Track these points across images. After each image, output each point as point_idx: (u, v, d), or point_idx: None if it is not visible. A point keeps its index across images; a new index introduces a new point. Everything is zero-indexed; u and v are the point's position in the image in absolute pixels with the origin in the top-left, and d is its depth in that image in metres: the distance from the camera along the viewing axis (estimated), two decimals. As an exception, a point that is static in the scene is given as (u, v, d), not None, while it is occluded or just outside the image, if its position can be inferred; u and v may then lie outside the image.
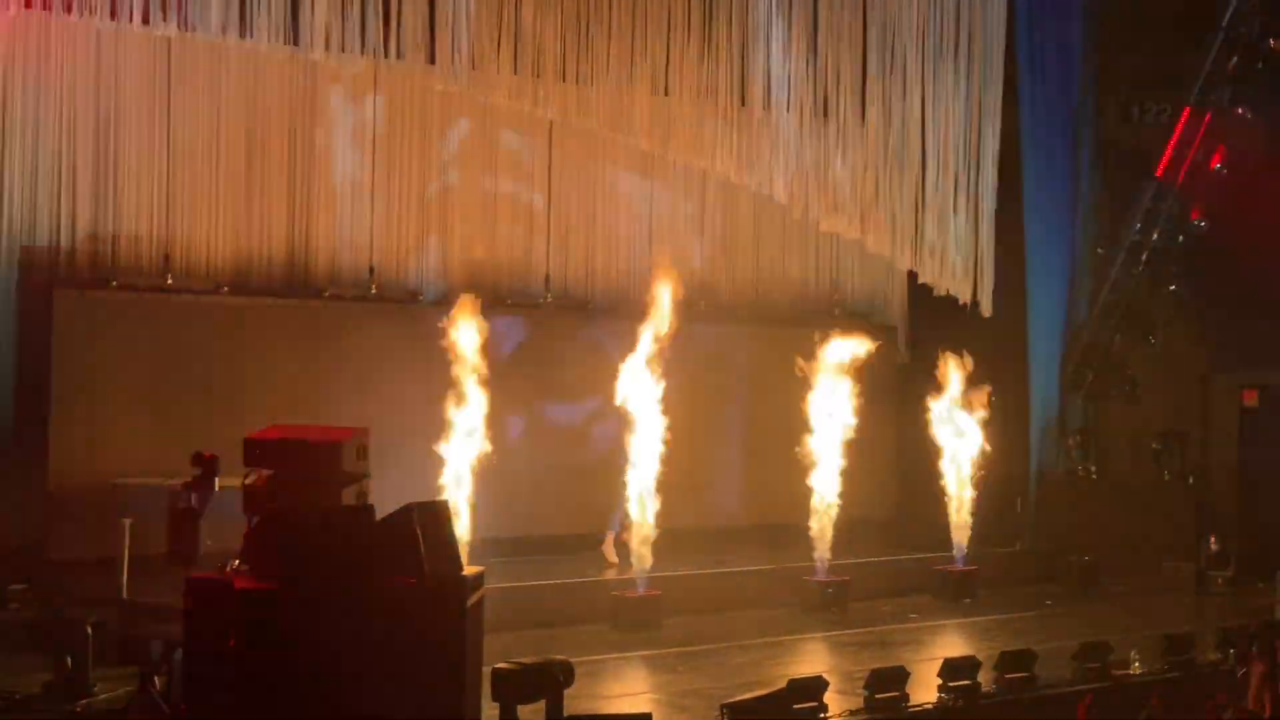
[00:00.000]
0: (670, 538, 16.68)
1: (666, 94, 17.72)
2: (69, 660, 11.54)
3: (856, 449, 18.91)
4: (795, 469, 17.74)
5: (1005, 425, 19.64)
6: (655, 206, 19.10)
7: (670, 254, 16.57)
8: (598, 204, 18.68)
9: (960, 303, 19.74)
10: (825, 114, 18.91)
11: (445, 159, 17.66)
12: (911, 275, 20.14)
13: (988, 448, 18.17)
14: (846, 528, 19.07)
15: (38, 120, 14.98)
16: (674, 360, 18.20)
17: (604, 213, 18.74)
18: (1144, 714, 11.15)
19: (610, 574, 16.16)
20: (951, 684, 12.14)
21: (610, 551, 16.47)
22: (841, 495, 16.92)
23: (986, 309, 19.83)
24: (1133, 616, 16.57)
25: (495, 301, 17.63)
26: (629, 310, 18.32)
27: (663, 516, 16.26)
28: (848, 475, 16.93)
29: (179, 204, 15.76)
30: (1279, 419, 19.29)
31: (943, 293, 19.77)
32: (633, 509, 15.55)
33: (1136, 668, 13.38)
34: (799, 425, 18.22)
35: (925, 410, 18.31)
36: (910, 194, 19.49)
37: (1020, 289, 20.14)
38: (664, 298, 15.53)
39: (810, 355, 17.23)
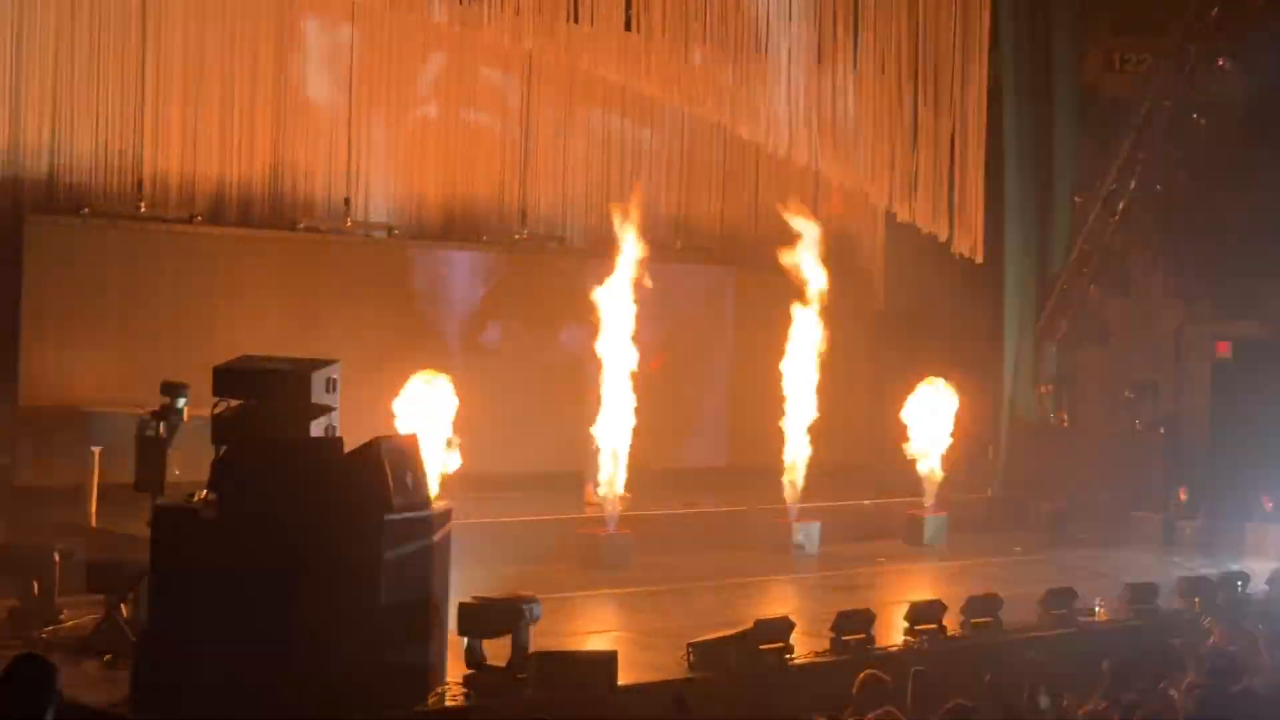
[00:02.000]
0: (644, 477, 16.72)
1: (643, 31, 17.59)
2: (35, 587, 11.55)
3: (831, 394, 18.95)
4: (771, 411, 17.77)
5: (978, 372, 19.70)
6: (634, 144, 19.00)
7: (644, 191, 16.34)
8: (575, 140, 18.56)
9: (953, 250, 19.66)
10: (819, 59, 18.85)
11: (422, 92, 17.51)
12: (890, 219, 20.10)
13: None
14: (820, 471, 19.15)
15: (7, 44, 14.79)
16: (649, 300, 18.23)
17: (582, 149, 18.63)
18: None
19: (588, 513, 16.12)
20: (917, 627, 12.20)
21: (592, 495, 16.36)
22: (815, 439, 16.94)
23: (978, 255, 19.76)
24: (1100, 564, 16.68)
25: (470, 236, 17.63)
26: (606, 247, 18.32)
27: (636, 456, 16.29)
28: (822, 419, 16.95)
29: (152, 132, 15.61)
30: (1251, 372, 19.34)
31: (929, 235, 19.69)
32: (603, 449, 15.52)
33: (1101, 614, 13.47)
34: (775, 368, 18.26)
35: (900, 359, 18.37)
36: (901, 139, 19.43)
37: (998, 237, 20.14)
38: (628, 234, 15.41)
39: (787, 298, 17.21)
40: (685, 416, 18.62)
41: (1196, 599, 13.69)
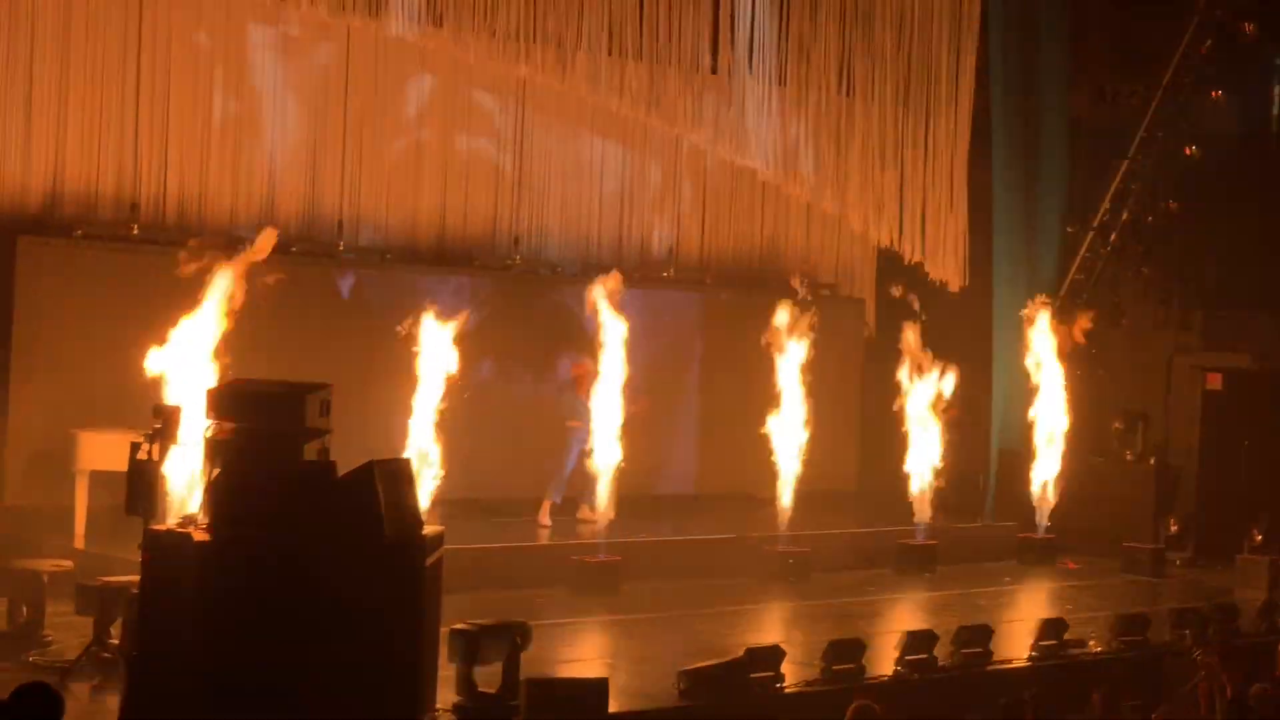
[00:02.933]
0: (631, 504, 16.70)
1: (640, 58, 17.66)
2: (24, 610, 11.51)
3: (821, 422, 18.94)
4: (760, 439, 17.73)
5: (968, 402, 19.72)
6: (626, 170, 19.01)
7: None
8: (568, 166, 18.57)
9: (932, 279, 19.76)
10: (807, 85, 18.93)
11: (413, 116, 17.49)
12: (880, 249, 20.17)
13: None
14: (809, 499, 19.14)
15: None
16: (640, 328, 18.23)
17: (574, 175, 18.64)
18: None
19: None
20: (908, 657, 12.17)
21: (587, 514, 16.32)
22: (805, 467, 16.93)
23: (956, 284, 19.89)
24: (1090, 595, 16.67)
25: (463, 262, 17.62)
26: (598, 274, 18.33)
27: (624, 483, 16.27)
28: (812, 447, 16.93)
29: (146, 156, 15.59)
30: (1242, 403, 19.36)
31: (912, 264, 19.80)
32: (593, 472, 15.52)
33: (1093, 646, 13.46)
34: (765, 395, 18.25)
35: (892, 386, 18.34)
36: (886, 169, 19.53)
37: (987, 267, 20.18)
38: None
39: (778, 325, 17.18)
40: (670, 443, 18.60)
41: (1187, 630, 13.66)
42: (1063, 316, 19.40)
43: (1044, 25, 20.25)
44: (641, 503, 17.32)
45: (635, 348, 16.78)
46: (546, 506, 16.42)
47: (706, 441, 19.13)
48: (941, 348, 19.19)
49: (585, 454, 15.85)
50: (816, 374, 17.39)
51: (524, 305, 17.81)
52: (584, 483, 16.13)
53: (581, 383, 16.16)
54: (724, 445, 18.84)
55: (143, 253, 15.18)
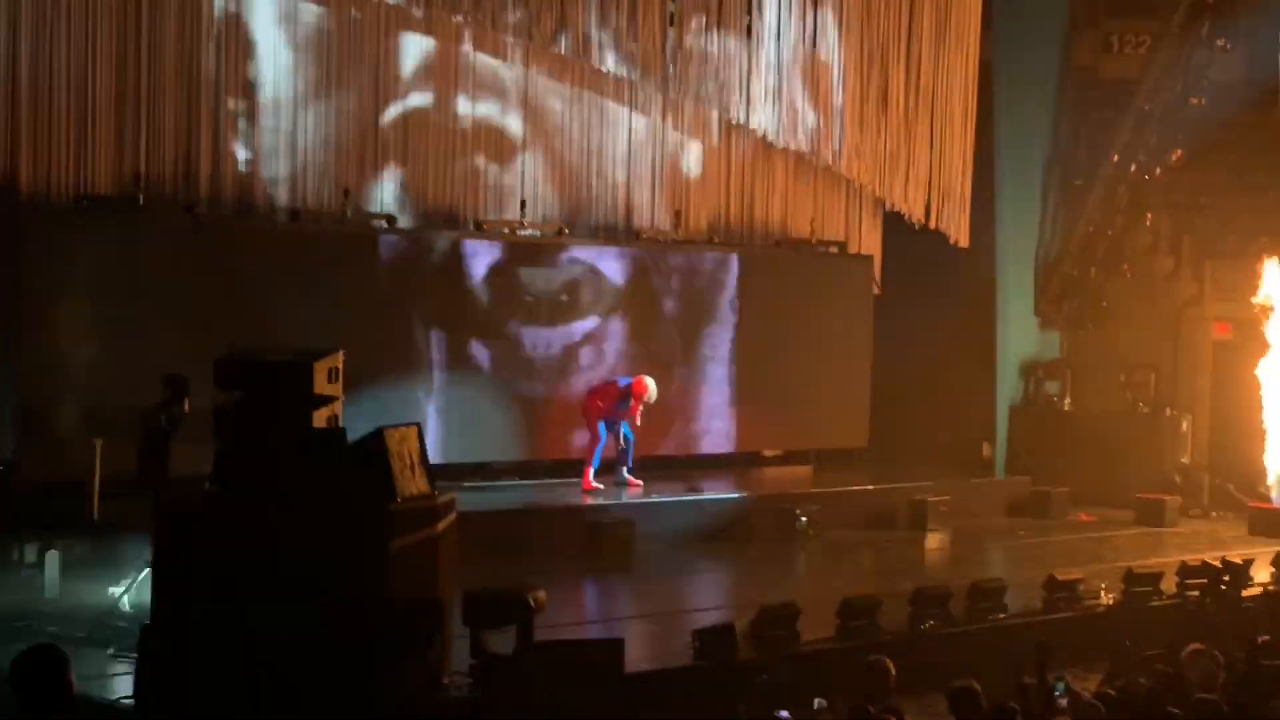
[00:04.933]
0: (649, 464, 16.73)
1: (624, 11, 17.58)
2: (43, 580, 11.54)
3: (831, 379, 18.96)
4: (777, 397, 17.74)
5: (972, 359, 19.71)
6: (633, 131, 18.90)
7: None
8: (575, 127, 18.47)
9: (943, 235, 19.67)
10: (814, 44, 18.83)
11: (415, 79, 17.38)
12: (886, 206, 20.08)
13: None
14: (821, 457, 19.16)
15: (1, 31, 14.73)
16: (654, 286, 18.22)
17: (582, 137, 18.53)
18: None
19: (589, 500, 16.10)
20: (922, 613, 12.18)
21: (591, 483, 16.35)
22: (816, 425, 16.94)
23: (964, 240, 19.81)
24: (1103, 548, 16.66)
25: (470, 224, 17.56)
26: (607, 235, 18.30)
27: (643, 444, 16.31)
28: (823, 405, 16.93)
29: (147, 123, 15.51)
30: (1251, 353, 19.31)
31: (919, 224, 19.76)
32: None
33: (1105, 599, 13.45)
34: (780, 353, 18.26)
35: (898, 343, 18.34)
36: (892, 125, 19.44)
37: (990, 222, 20.08)
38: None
39: (788, 283, 17.15)
40: (688, 403, 18.57)
41: (1201, 583, 13.63)
42: None
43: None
44: (664, 464, 17.34)
45: (649, 305, 16.74)
46: (588, 474, 16.38)
47: (730, 402, 19.03)
48: (942, 304, 19.18)
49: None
50: (825, 332, 17.31)
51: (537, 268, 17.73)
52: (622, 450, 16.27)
53: (636, 400, 16.22)
54: (748, 405, 18.79)
55: (149, 221, 15.11)
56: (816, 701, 8.83)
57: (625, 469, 16.53)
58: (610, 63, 17.80)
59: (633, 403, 16.24)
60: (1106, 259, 20.20)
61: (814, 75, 18.98)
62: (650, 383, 16.26)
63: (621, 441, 16.47)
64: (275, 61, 16.28)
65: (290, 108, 16.41)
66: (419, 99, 17.32)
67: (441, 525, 9.65)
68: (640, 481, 16.47)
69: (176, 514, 9.33)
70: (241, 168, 16.12)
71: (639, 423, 16.35)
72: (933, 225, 19.75)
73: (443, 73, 17.42)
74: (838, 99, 19.10)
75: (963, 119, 19.90)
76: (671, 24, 17.99)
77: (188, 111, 15.72)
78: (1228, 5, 19.69)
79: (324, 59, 16.58)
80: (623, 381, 16.47)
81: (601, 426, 16.31)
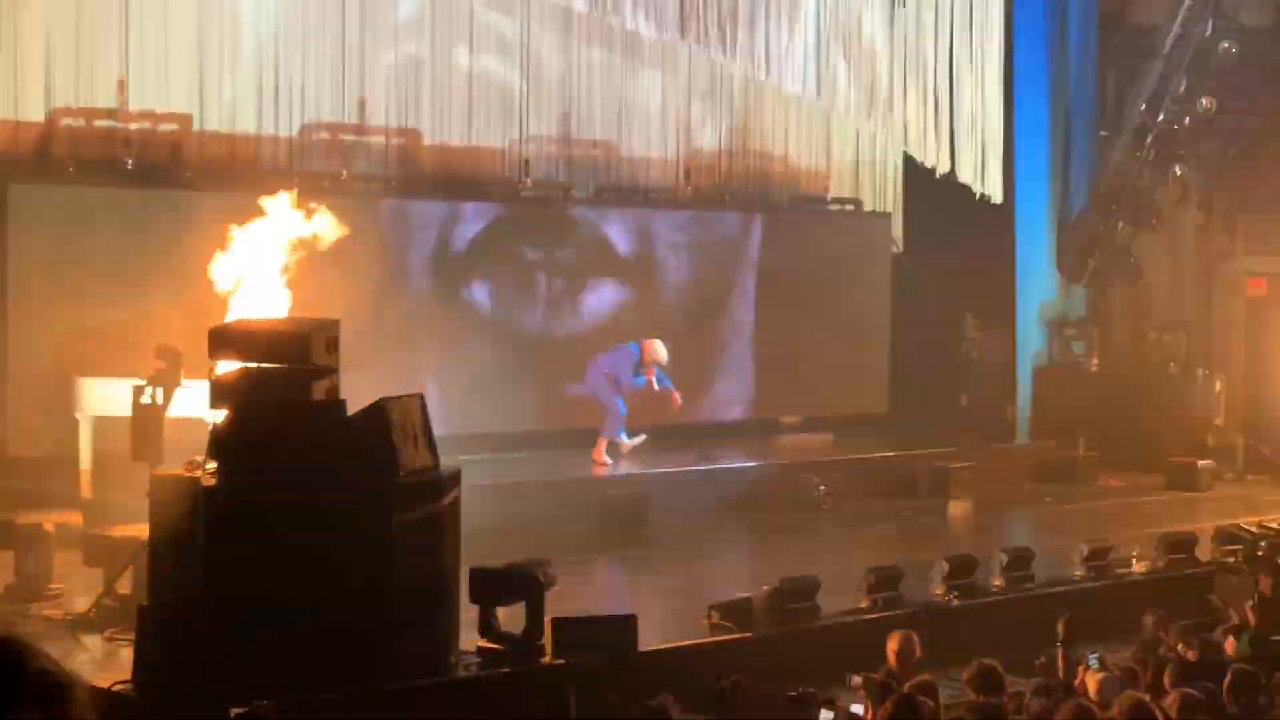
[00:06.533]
0: (664, 433, 16.34)
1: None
2: (32, 561, 11.18)
3: (850, 343, 18.51)
4: (795, 363, 17.32)
5: (991, 319, 19.23)
6: (641, 88, 18.41)
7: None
8: (580, 86, 17.97)
9: (971, 190, 19.10)
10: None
11: (413, 32, 16.89)
12: (907, 161, 19.52)
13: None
14: (840, 424, 18.73)
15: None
16: (664, 248, 17.80)
17: (586, 96, 18.04)
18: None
19: (600, 472, 15.68)
20: (949, 582, 11.79)
21: (601, 455, 15.91)
22: (835, 391, 16.53)
23: (996, 195, 19.13)
24: (1134, 514, 16.24)
25: (471, 186, 17.11)
26: (612, 197, 17.83)
27: (656, 412, 15.90)
28: (841, 370, 16.53)
29: (138, 91, 15.10)
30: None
31: (948, 175, 19.10)
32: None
33: (1138, 566, 13.05)
34: (797, 316, 17.83)
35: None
36: (915, 75, 18.86)
37: (1009, 176, 19.49)
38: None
39: (805, 243, 16.71)
40: (703, 370, 18.10)
41: (1237, 549, 13.19)
42: None
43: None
44: (678, 432, 16.92)
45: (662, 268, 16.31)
46: (602, 445, 15.92)
47: (745, 368, 18.58)
48: (967, 258, 18.68)
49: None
50: (843, 293, 16.82)
51: (536, 232, 17.27)
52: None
53: (648, 368, 15.75)
54: (764, 371, 18.35)
55: (139, 190, 14.70)
56: (850, 678, 8.54)
57: (622, 432, 16.03)
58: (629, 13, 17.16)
59: (646, 372, 15.75)
60: (1134, 213, 19.57)
61: (835, 27, 18.37)
62: (659, 345, 15.76)
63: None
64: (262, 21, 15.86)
65: (286, 70, 15.98)
66: (417, 50, 16.82)
67: (446, 499, 9.29)
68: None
69: (172, 490, 9.04)
70: (229, 136, 15.69)
71: (656, 388, 15.84)
72: (968, 182, 19.06)
73: (438, 25, 16.88)
74: (860, 52, 18.48)
75: (996, 70, 19.26)
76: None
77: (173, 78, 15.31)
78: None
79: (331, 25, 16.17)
80: (633, 347, 15.95)
81: (618, 400, 15.83)
